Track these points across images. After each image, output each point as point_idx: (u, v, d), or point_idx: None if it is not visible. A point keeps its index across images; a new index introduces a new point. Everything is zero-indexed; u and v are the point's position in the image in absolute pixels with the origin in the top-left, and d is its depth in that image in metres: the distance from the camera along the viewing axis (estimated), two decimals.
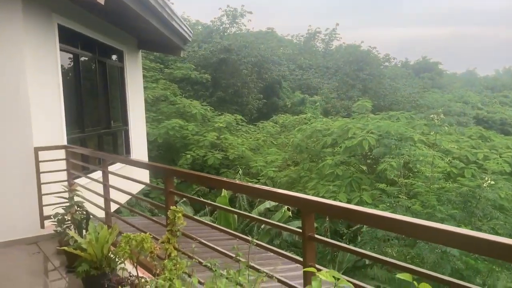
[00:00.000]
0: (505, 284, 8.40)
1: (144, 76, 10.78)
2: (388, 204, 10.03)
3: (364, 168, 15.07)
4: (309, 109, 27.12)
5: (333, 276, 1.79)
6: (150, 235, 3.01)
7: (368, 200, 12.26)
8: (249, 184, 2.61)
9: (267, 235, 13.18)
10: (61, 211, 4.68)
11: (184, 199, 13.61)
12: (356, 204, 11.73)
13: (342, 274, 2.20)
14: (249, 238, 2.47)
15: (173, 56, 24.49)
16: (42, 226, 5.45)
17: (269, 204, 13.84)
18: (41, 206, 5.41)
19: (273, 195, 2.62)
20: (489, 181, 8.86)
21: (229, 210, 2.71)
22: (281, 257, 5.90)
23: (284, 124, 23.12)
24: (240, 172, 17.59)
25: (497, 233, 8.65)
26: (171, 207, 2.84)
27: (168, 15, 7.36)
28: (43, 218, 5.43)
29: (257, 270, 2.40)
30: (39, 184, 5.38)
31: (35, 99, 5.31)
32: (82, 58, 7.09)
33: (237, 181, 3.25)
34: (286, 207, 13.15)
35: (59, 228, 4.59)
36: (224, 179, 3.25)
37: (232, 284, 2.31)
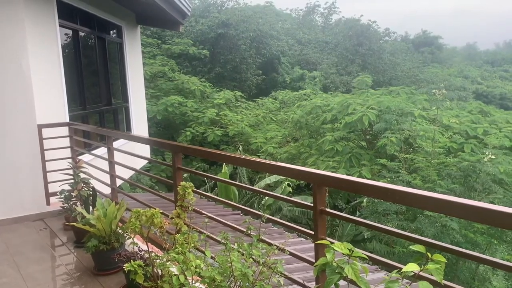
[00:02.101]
0: (502, 256, 8.55)
1: (141, 52, 10.65)
2: (388, 179, 10.11)
3: (364, 143, 15.13)
4: (309, 84, 26.99)
5: (348, 248, 1.82)
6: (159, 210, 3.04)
7: (367, 175, 12.35)
8: (260, 159, 2.63)
9: (268, 210, 13.33)
10: (67, 187, 4.71)
11: (185, 175, 13.69)
12: None
13: None
14: (260, 213, 2.50)
15: (171, 31, 24.16)
16: (48, 203, 5.49)
17: (269, 180, 13.94)
18: (46, 183, 5.44)
19: (285, 170, 2.63)
20: (489, 156, 8.91)
21: (241, 186, 2.71)
22: (285, 231, 5.96)
23: (283, 100, 23.04)
24: (240, 148, 17.64)
25: None
26: (181, 183, 2.85)
27: None
28: (48, 195, 5.46)
29: (269, 244, 2.43)
30: (43, 161, 5.39)
31: (36, 76, 5.27)
32: (81, 34, 7.00)
33: (247, 157, 3.27)
34: (286, 182, 13.25)
35: (66, 205, 4.63)
36: (233, 154, 3.27)
37: (243, 257, 2.35)
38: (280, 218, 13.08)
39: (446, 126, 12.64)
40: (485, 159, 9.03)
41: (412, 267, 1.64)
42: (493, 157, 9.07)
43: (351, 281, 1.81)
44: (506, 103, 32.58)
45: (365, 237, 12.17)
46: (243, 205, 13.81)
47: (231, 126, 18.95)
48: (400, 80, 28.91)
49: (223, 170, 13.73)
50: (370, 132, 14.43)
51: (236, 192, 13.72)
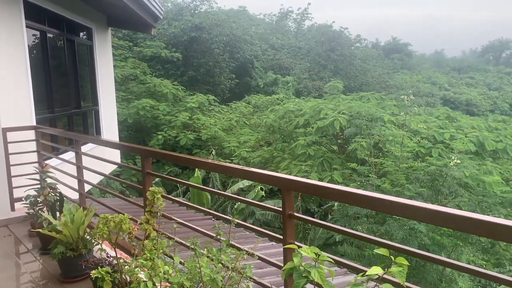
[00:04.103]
0: (468, 257, 8.82)
1: (112, 54, 10.50)
2: (358, 183, 10.28)
3: (335, 148, 15.34)
4: (282, 89, 27.19)
5: (314, 252, 1.85)
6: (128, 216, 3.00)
7: (338, 179, 12.53)
8: (230, 164, 2.64)
9: (241, 214, 13.32)
10: (33, 193, 4.58)
11: (156, 179, 13.53)
12: (328, 183, 12.00)
13: None
14: (230, 218, 2.51)
15: (143, 34, 23.91)
16: (13, 209, 5.31)
17: (242, 184, 13.94)
18: (11, 188, 5.27)
19: (254, 175, 2.65)
20: (455, 160, 9.19)
21: (210, 191, 2.70)
22: (257, 236, 5.98)
23: (256, 104, 23.12)
24: (214, 152, 17.58)
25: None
26: (150, 188, 2.83)
27: None
28: (13, 200, 5.29)
29: (238, 249, 2.44)
30: (8, 166, 5.23)
31: (1, 78, 5.11)
32: (50, 36, 6.83)
33: (217, 162, 3.27)
34: (259, 187, 13.28)
35: (31, 211, 4.50)
36: (204, 159, 3.26)
37: (213, 263, 2.35)
38: (253, 222, 13.08)
39: (415, 131, 12.97)
40: (451, 164, 9.31)
41: (376, 270, 1.69)
42: (458, 161, 9.36)
43: (317, 285, 1.84)
44: (472, 109, 33.74)
45: (337, 240, 12.32)
46: (216, 210, 13.79)
47: (204, 130, 18.87)
48: (371, 86, 29.51)
49: (195, 174, 13.63)
50: (342, 136, 14.65)
51: (209, 197, 13.65)
